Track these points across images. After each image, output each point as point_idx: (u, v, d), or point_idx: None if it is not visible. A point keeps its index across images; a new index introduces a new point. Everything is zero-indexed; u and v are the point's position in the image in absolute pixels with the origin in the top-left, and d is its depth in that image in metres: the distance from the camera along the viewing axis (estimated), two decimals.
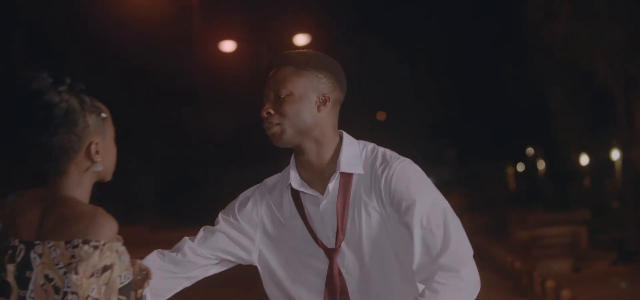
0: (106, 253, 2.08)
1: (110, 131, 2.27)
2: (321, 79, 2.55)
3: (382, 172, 2.49)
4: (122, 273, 2.09)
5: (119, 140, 2.31)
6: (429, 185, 2.51)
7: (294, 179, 2.57)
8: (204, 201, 26.20)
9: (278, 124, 2.52)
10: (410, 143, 40.81)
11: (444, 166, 41.16)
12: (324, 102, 2.55)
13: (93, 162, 2.20)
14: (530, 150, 30.44)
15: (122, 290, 2.10)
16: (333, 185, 2.53)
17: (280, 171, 2.70)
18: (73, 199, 2.18)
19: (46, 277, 2.09)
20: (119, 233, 2.16)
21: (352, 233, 2.50)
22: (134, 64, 26.57)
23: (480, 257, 14.24)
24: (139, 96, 26.97)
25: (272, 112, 2.53)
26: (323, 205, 2.53)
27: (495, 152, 31.06)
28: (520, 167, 31.54)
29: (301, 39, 24.05)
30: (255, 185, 2.74)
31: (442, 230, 2.41)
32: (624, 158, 16.58)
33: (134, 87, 27.19)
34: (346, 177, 2.52)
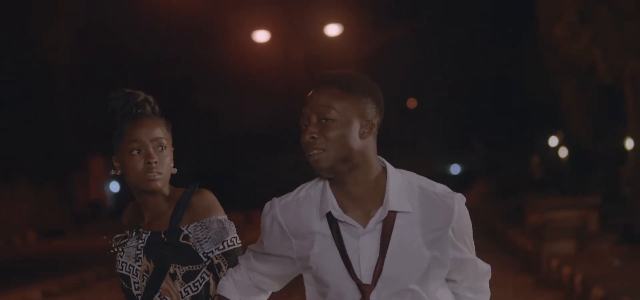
0: None
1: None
2: (367, 104, 2.38)
3: (442, 215, 2.38)
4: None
5: None
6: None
7: (333, 206, 2.38)
8: (236, 188, 27.14)
9: (322, 150, 2.35)
10: (439, 131, 41.41)
11: (471, 154, 41.51)
12: (370, 129, 2.38)
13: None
14: (553, 140, 30.85)
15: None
16: (377, 219, 2.36)
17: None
18: None
19: None
20: None
21: (389, 272, 2.34)
22: (169, 53, 27.35)
23: (496, 240, 15.33)
24: (173, 85, 27.78)
25: (316, 136, 2.35)
26: (363, 238, 2.36)
27: (520, 141, 31.53)
28: (543, 155, 31.99)
29: (333, 29, 24.30)
30: (268, 218, 2.50)
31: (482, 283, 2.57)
32: (636, 148, 17.16)
33: (169, 75, 28.04)
34: (391, 213, 2.36)
